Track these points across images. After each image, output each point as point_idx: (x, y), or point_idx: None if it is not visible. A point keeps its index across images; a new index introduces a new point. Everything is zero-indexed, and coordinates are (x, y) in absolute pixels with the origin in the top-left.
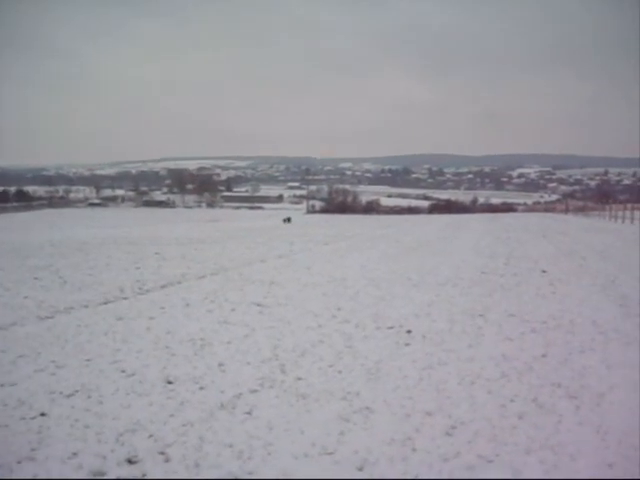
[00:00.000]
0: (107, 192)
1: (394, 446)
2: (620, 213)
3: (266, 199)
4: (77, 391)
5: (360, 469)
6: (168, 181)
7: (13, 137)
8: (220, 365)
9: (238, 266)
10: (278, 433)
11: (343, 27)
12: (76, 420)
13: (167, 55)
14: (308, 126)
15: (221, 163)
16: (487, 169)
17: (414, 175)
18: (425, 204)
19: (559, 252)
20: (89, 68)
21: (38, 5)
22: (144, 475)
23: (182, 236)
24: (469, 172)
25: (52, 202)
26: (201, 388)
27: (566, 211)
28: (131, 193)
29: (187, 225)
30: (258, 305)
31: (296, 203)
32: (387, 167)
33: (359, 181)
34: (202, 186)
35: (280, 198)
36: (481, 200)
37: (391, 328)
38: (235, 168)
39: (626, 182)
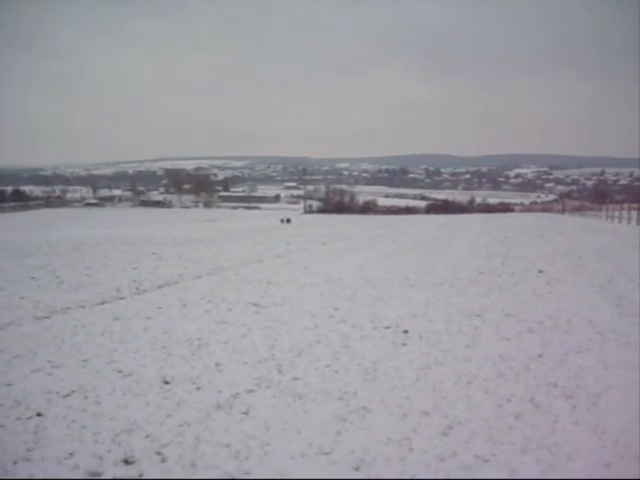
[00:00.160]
0: (104, 192)
1: (391, 446)
2: (617, 213)
3: (263, 199)
4: (74, 391)
5: (357, 469)
6: (165, 181)
7: (10, 137)
8: (217, 365)
9: (235, 266)
10: (275, 433)
11: (342, 27)
12: (73, 420)
13: (165, 55)
14: (306, 126)
15: (218, 163)
16: (484, 169)
17: (411, 175)
18: (422, 204)
19: (556, 252)
20: (87, 68)
21: (38, 5)
22: (141, 475)
23: (179, 236)
24: (466, 172)
25: (49, 202)
26: (198, 388)
27: (563, 211)
28: (128, 193)
29: (184, 225)
30: (255, 305)
31: (293, 203)
32: (384, 167)
33: (356, 181)
34: (199, 186)
35: (277, 198)
36: (478, 200)
37: (388, 328)
38: (232, 168)
39: (623, 182)
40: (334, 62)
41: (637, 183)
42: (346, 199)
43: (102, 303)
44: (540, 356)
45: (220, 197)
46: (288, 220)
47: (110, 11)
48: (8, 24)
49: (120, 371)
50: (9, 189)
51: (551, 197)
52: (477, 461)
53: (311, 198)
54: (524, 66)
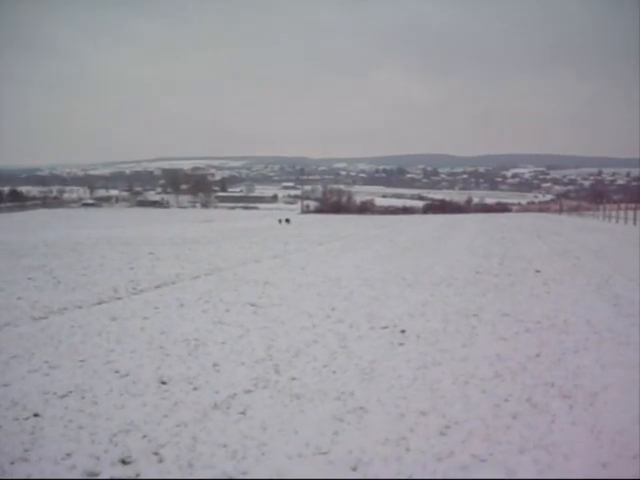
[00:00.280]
0: (101, 192)
1: (388, 446)
2: (614, 213)
3: (261, 199)
4: (71, 392)
5: (354, 469)
6: (162, 181)
7: (8, 137)
8: (214, 365)
9: (232, 266)
10: (272, 433)
11: (341, 27)
12: (70, 421)
13: (164, 55)
14: (304, 126)
15: (215, 163)
16: (482, 169)
17: (409, 175)
18: (420, 204)
19: (553, 252)
20: (85, 68)
21: (37, 5)
22: (138, 475)
23: (176, 236)
24: (464, 172)
25: (46, 202)
26: (195, 388)
27: (560, 211)
28: (125, 193)
29: (181, 225)
30: (252, 305)
31: (290, 203)
32: (382, 167)
33: (354, 181)
34: (196, 186)
35: (275, 198)
36: (475, 200)
37: (385, 328)
38: (229, 168)
39: (620, 182)
40: (333, 62)
41: (634, 183)
42: (343, 199)
43: (99, 303)
44: (537, 356)
45: (217, 197)
46: (287, 220)
47: (109, 11)
48: (7, 24)
49: (117, 371)
50: (6, 189)
51: (548, 197)
52: (474, 461)
53: (308, 198)
54: (523, 66)
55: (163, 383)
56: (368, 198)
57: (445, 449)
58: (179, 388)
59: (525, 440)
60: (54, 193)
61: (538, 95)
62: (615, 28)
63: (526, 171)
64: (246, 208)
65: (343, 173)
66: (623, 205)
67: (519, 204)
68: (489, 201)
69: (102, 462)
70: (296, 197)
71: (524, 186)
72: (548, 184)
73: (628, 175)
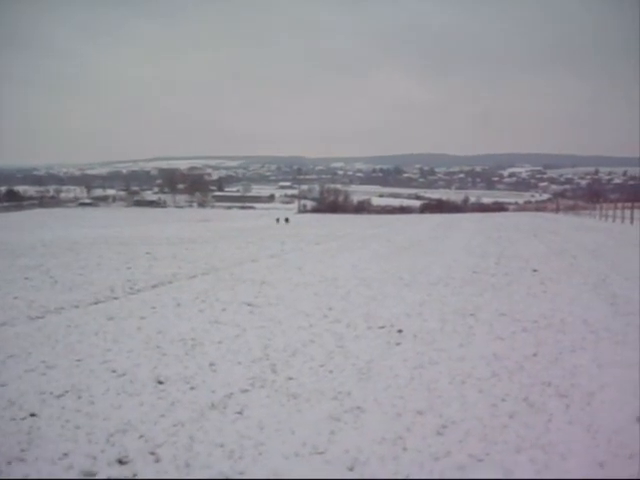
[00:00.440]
0: (98, 192)
1: (385, 445)
2: (610, 212)
3: (257, 199)
4: (67, 391)
5: (351, 469)
6: (159, 181)
7: (4, 137)
8: (211, 365)
9: (229, 266)
10: (269, 433)
11: (340, 28)
12: (66, 420)
13: (162, 55)
14: (301, 126)
15: (212, 163)
16: (478, 169)
17: (406, 175)
18: (417, 204)
19: (550, 251)
20: (84, 68)
21: (36, 5)
22: (135, 475)
23: (173, 236)
24: (460, 172)
25: (43, 202)
26: (192, 388)
27: (557, 210)
28: (122, 193)
29: (178, 225)
30: (249, 305)
31: (287, 203)
32: (379, 167)
33: (351, 181)
34: (193, 186)
35: (271, 198)
36: (472, 199)
37: (382, 328)
38: (226, 168)
39: (617, 181)
40: (332, 62)
41: (631, 182)
42: (340, 199)
43: (96, 303)
44: (534, 355)
45: (214, 197)
46: (287, 220)
47: (107, 11)
48: (5, 23)
49: (114, 371)
50: (3, 189)
51: (545, 196)
52: (471, 460)
53: (305, 198)
54: (521, 66)
55: (160, 383)
56: (365, 198)
57: (442, 449)
58: (176, 388)
59: (522, 440)
60: (51, 193)
61: (536, 95)
62: (613, 28)
63: (523, 170)
64: (243, 208)
65: (340, 173)
66: (620, 204)
67: (516, 203)
68: (486, 200)
69: (99, 462)
70: (293, 197)
71: (521, 185)
72: (545, 183)
73: (625, 174)
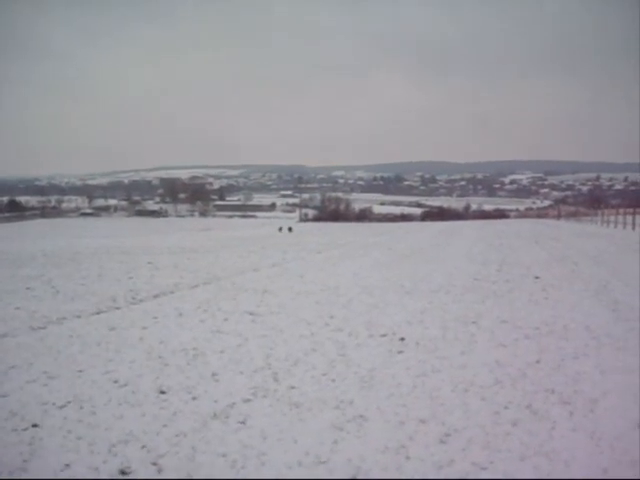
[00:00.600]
0: (99, 202)
1: (388, 454)
2: (612, 218)
3: (259, 208)
4: (69, 402)
5: (354, 478)
6: (160, 190)
7: (6, 148)
8: (213, 375)
9: (231, 275)
10: (271, 442)
11: (339, 34)
12: (68, 431)
13: (162, 58)
14: (301, 134)
15: (213, 172)
16: (479, 176)
17: (407, 182)
18: (418, 211)
19: (551, 258)
20: (85, 76)
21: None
22: None
23: (175, 245)
24: (461, 179)
25: (44, 212)
26: (194, 398)
27: (558, 217)
28: (124, 203)
29: (180, 234)
30: (251, 314)
31: (289, 211)
32: (379, 175)
33: (352, 189)
34: (194, 195)
35: (273, 207)
36: (474, 207)
37: (384, 336)
38: (227, 177)
39: (618, 187)
40: (332, 65)
41: (632, 188)
42: (342, 207)
43: (98, 313)
44: (537, 362)
45: (215, 206)
46: (290, 229)
47: (107, 12)
48: (5, 26)
49: (116, 381)
50: (5, 199)
51: (546, 203)
52: (474, 469)
53: (307, 206)
54: (521, 69)
55: (162, 393)
56: (366, 206)
57: (445, 457)
58: (178, 398)
59: (525, 447)
60: (52, 203)
61: (536, 98)
62: (613, 30)
63: (524, 177)
64: (244, 217)
65: (341, 181)
66: (621, 210)
67: (517, 210)
68: (487, 207)
69: (101, 473)
70: (294, 205)
71: (522, 192)
72: (546, 190)
73: (626, 180)
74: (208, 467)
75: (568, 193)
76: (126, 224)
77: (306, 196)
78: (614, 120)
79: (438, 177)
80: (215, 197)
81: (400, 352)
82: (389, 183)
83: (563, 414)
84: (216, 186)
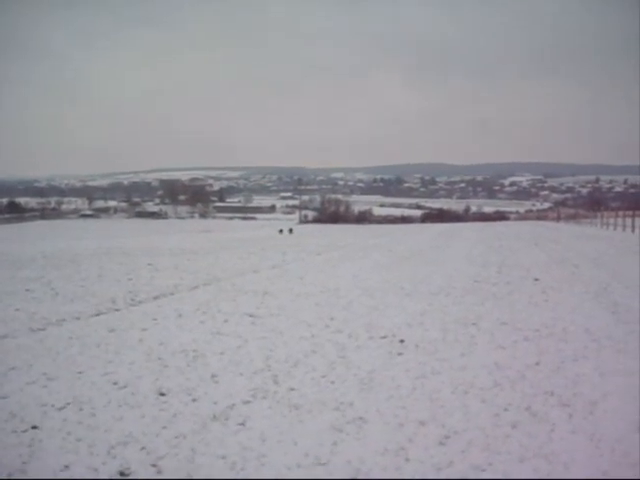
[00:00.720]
0: (99, 203)
1: (387, 456)
2: (612, 220)
3: (259, 209)
4: (69, 403)
5: (354, 478)
6: (160, 192)
7: (5, 149)
8: (213, 376)
9: (231, 277)
10: (271, 444)
11: (336, 33)
12: (68, 433)
13: (160, 64)
14: (301, 136)
15: (213, 174)
16: (479, 178)
17: (406, 184)
18: (418, 213)
19: (551, 260)
20: (82, 77)
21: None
22: None
23: (175, 247)
24: (461, 181)
25: (44, 213)
26: (194, 400)
27: (558, 219)
28: (123, 204)
29: (180, 236)
30: (251, 316)
31: (289, 213)
32: (379, 177)
33: (351, 191)
34: (194, 197)
35: (273, 208)
36: (473, 209)
37: (384, 338)
38: (227, 179)
39: (618, 189)
40: (328, 70)
41: (632, 190)
42: (341, 209)
43: (97, 315)
44: (536, 364)
45: (215, 208)
46: (290, 230)
47: (105, 14)
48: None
49: (115, 383)
50: (4, 201)
51: (546, 205)
52: (474, 471)
53: (306, 208)
54: (520, 70)
55: (162, 394)
56: (366, 208)
57: (444, 459)
58: (178, 399)
59: (525, 449)
60: (52, 204)
61: (536, 103)
62: (613, 31)
63: (524, 179)
64: (244, 218)
65: (341, 183)
66: (621, 212)
67: (517, 212)
68: (487, 209)
69: (100, 474)
70: (294, 207)
71: (522, 194)
72: (546, 192)
73: (625, 182)
74: (207, 469)
75: (568, 195)
76: (126, 225)
77: (306, 198)
78: (614, 122)
79: (438, 179)
80: (215, 199)
81: (400, 354)
82: (389, 185)
83: (562, 416)
84: (216, 187)
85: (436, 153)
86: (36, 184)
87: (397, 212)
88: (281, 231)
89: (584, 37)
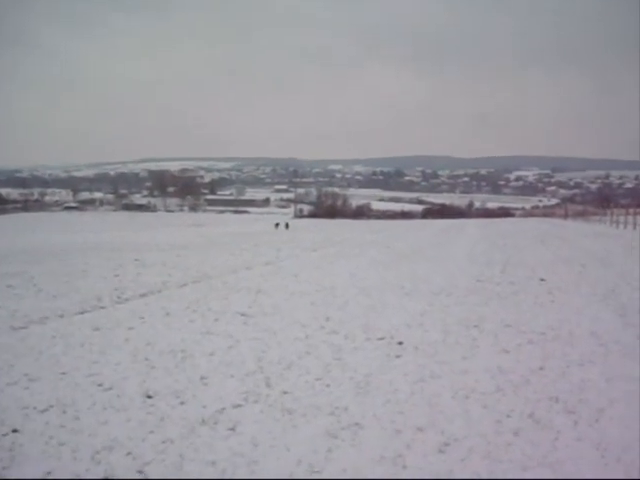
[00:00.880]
0: (84, 195)
1: (384, 464)
2: (622, 218)
3: (252, 203)
4: (52, 406)
5: (353, 478)
6: (149, 183)
7: None
8: (202, 378)
9: (222, 274)
10: (263, 450)
11: (334, 25)
12: (50, 437)
13: (151, 50)
14: (296, 125)
15: (204, 164)
16: (483, 172)
17: (407, 178)
18: (419, 208)
19: (558, 259)
20: (70, 63)
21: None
22: None
23: (163, 242)
24: (465, 175)
25: (27, 205)
26: (182, 403)
27: (565, 216)
28: (110, 196)
29: (168, 230)
30: (243, 315)
31: (283, 207)
32: (379, 169)
33: (349, 184)
34: (184, 189)
35: (266, 202)
36: (477, 204)
37: (382, 339)
38: (219, 170)
39: (628, 185)
40: (324, 59)
41: None
42: (338, 203)
43: (82, 312)
44: (541, 369)
45: (206, 200)
46: (287, 225)
47: (93, 5)
48: None
49: (100, 384)
50: None
51: (553, 201)
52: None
53: (302, 202)
54: (526, 64)
55: (148, 397)
56: (364, 202)
57: (444, 467)
58: (165, 402)
59: (528, 458)
60: (35, 196)
61: (542, 93)
62: (625, 22)
63: (530, 174)
64: (236, 212)
65: (338, 175)
66: (631, 210)
67: (523, 208)
68: (491, 205)
69: None
70: (289, 201)
71: (528, 189)
72: (553, 187)
73: (637, 178)
74: (196, 475)
75: (576, 191)
76: (112, 218)
77: (301, 191)
78: (625, 115)
79: (440, 172)
80: (206, 191)
81: (398, 356)
82: (389, 178)
83: (567, 423)
84: (207, 179)
85: (438, 145)
86: (18, 174)
87: (397, 207)
88: (277, 225)
89: (595, 25)
